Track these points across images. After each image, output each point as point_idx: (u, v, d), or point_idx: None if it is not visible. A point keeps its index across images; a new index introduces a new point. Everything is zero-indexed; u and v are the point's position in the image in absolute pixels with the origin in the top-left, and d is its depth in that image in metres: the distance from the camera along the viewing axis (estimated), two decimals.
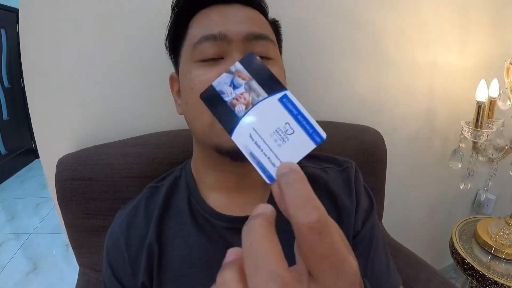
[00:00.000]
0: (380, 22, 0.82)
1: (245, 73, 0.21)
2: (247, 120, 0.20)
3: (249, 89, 0.21)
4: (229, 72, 0.21)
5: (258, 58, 0.22)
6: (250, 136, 0.20)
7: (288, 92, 0.21)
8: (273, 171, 0.19)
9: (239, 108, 0.21)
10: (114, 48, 0.61)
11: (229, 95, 0.21)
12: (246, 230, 0.16)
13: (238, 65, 0.22)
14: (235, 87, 0.21)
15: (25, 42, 0.58)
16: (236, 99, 0.21)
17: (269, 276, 0.14)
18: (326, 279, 0.15)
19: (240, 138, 0.20)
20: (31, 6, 0.56)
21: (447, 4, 0.90)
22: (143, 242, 0.42)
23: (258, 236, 0.16)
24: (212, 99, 0.21)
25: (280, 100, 0.21)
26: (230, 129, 0.20)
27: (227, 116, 0.21)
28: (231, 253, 0.17)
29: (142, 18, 0.61)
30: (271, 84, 0.21)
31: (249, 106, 0.21)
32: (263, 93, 0.21)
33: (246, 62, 0.22)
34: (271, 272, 0.14)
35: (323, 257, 0.15)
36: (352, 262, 0.16)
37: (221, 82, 0.21)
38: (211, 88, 0.21)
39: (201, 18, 0.40)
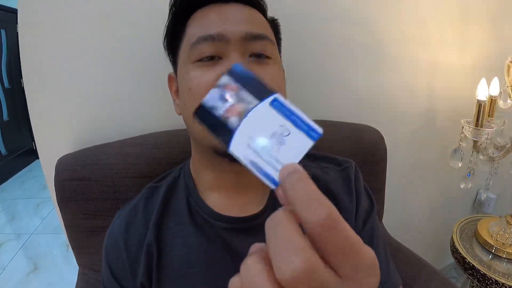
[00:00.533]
0: (380, 21, 0.82)
1: (233, 84, 0.21)
2: (242, 130, 0.20)
3: (240, 99, 0.21)
4: (218, 86, 0.22)
5: (243, 67, 0.22)
6: (248, 145, 0.20)
7: (277, 95, 0.21)
8: (276, 176, 0.19)
9: (232, 120, 0.21)
10: (113, 48, 0.61)
11: (220, 109, 0.21)
12: (270, 218, 0.16)
13: (225, 78, 0.22)
14: (225, 100, 0.21)
15: (24, 42, 0.58)
16: (228, 111, 0.21)
17: (294, 251, 0.14)
18: (346, 271, 0.15)
19: (238, 149, 0.20)
20: (30, 6, 0.56)
21: (447, 2, 0.90)
22: (142, 242, 0.42)
23: (284, 221, 0.16)
24: (205, 116, 0.21)
25: (271, 104, 0.21)
26: (226, 143, 0.20)
27: (222, 131, 0.21)
28: (254, 247, 0.17)
29: (141, 18, 0.60)
30: (260, 90, 0.21)
31: (242, 116, 0.21)
32: (254, 101, 0.21)
33: (233, 74, 0.22)
34: (296, 248, 0.14)
35: (339, 252, 0.15)
36: (367, 252, 0.16)
37: (211, 98, 0.21)
38: (202, 106, 0.21)
39: (199, 17, 0.40)
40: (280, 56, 0.46)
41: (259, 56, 0.39)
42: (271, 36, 0.42)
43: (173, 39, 0.43)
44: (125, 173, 0.57)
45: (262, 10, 0.44)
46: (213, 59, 0.38)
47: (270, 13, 0.47)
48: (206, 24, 0.38)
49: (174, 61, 0.44)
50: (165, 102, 0.58)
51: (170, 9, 0.43)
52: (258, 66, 0.38)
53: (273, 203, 0.45)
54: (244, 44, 0.37)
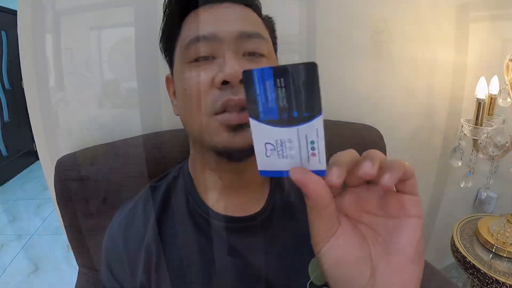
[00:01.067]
0: (379, 20, 0.82)
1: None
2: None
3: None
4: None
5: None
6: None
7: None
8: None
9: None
10: (113, 48, 0.61)
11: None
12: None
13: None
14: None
15: (24, 43, 0.58)
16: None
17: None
18: None
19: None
20: (30, 7, 0.56)
21: (447, 1, 0.90)
22: (142, 242, 0.42)
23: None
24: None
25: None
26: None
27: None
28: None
29: (141, 18, 0.61)
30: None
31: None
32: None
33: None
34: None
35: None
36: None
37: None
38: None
39: (193, 18, 0.40)
40: (276, 55, 0.46)
41: (252, 55, 0.39)
42: (265, 34, 0.42)
43: (168, 41, 0.43)
44: (125, 173, 0.57)
45: (256, 8, 0.44)
46: (207, 59, 0.38)
47: (268, 13, 0.47)
48: (199, 24, 0.38)
49: (170, 63, 0.44)
50: (165, 102, 0.58)
51: (165, 11, 0.43)
52: (251, 64, 0.38)
53: (272, 202, 0.45)
54: (237, 43, 0.38)
